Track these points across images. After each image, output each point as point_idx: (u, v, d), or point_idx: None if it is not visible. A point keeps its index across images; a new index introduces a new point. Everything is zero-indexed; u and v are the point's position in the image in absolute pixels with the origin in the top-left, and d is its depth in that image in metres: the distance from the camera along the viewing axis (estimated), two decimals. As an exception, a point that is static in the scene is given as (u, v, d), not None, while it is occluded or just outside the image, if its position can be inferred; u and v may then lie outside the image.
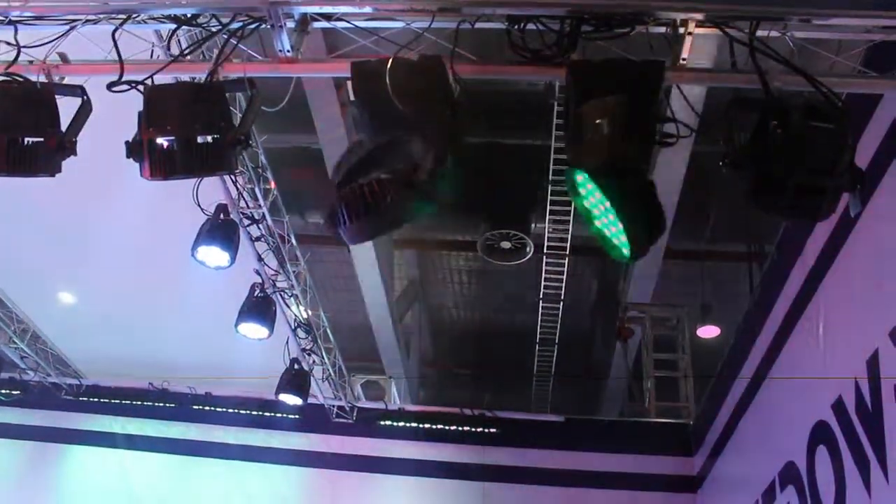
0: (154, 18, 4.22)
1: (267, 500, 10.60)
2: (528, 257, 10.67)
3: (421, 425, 10.82)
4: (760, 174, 3.58)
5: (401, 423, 10.91)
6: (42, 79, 4.12)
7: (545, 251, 10.61)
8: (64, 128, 3.99)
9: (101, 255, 9.09)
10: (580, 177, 3.70)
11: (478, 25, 4.02)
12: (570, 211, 9.63)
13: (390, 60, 3.69)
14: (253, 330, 7.96)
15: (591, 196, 3.71)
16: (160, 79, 4.07)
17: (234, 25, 4.13)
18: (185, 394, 11.11)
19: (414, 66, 3.75)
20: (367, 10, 4.13)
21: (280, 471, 10.73)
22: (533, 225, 10.48)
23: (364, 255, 10.85)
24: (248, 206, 7.20)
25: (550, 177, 9.14)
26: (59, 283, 10.30)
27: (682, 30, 3.90)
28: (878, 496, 5.13)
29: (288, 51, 4.16)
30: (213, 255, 6.76)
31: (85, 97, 4.07)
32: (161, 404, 11.12)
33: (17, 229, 8.70)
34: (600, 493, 10.15)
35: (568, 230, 10.07)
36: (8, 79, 4.00)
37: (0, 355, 10.49)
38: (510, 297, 12.99)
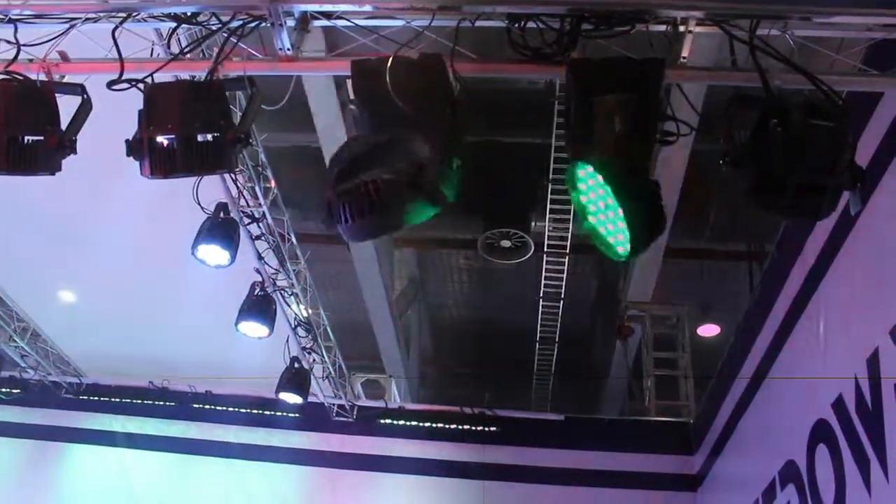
0: (154, 17, 4.21)
1: (267, 498, 10.60)
2: (528, 256, 10.67)
3: (421, 424, 10.83)
4: (760, 173, 3.58)
5: (401, 422, 10.92)
6: (42, 77, 4.12)
7: (545, 250, 10.62)
8: (64, 126, 3.99)
9: (101, 253, 9.09)
10: (582, 171, 3.69)
11: (478, 24, 4.02)
12: (570, 210, 9.63)
13: (390, 59, 3.69)
14: (253, 328, 7.96)
15: (592, 192, 3.70)
16: (160, 77, 4.06)
17: (235, 24, 4.13)
18: (186, 392, 11.11)
19: (414, 64, 3.75)
20: (368, 8, 4.12)
21: (280, 469, 10.73)
22: (533, 223, 10.48)
23: (364, 254, 10.85)
24: (248, 204, 7.21)
25: (551, 175, 9.14)
26: (60, 282, 10.31)
27: (682, 28, 3.90)
28: (879, 495, 5.13)
29: (288, 49, 4.15)
30: (214, 253, 6.77)
31: (85, 96, 4.07)
32: (161, 403, 11.12)
33: (18, 228, 8.70)
34: (600, 491, 10.15)
35: (568, 229, 10.07)
36: (8, 77, 3.99)
37: (0, 354, 10.49)
38: (510, 296, 12.99)
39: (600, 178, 3.56)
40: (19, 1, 4.13)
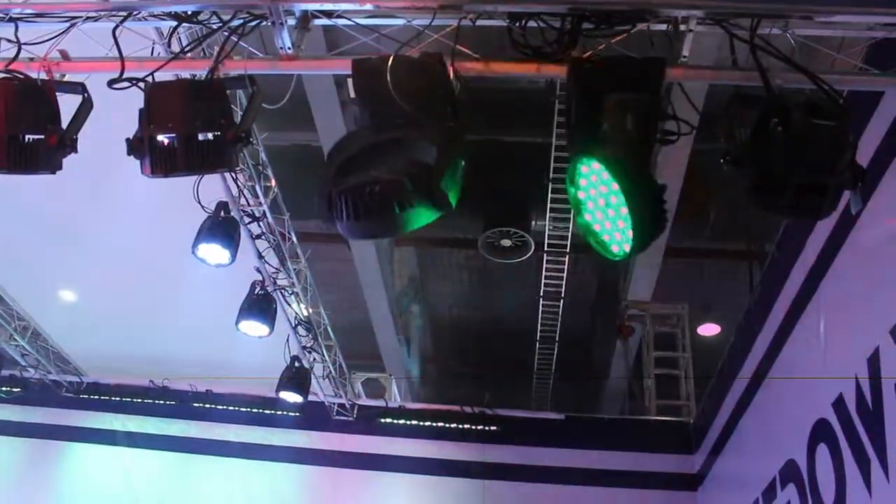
0: (155, 16, 4.21)
1: (267, 497, 10.61)
2: (528, 255, 10.66)
3: (421, 423, 10.83)
4: (761, 172, 3.58)
5: (401, 421, 10.92)
6: (43, 76, 4.12)
7: (546, 249, 10.61)
8: (65, 125, 3.99)
9: (101, 252, 9.09)
10: (585, 167, 3.66)
11: (478, 23, 4.02)
12: (570, 209, 9.59)
13: (391, 58, 3.68)
14: (253, 328, 7.96)
15: (592, 188, 3.67)
16: (161, 76, 4.07)
17: (235, 23, 4.13)
18: (186, 391, 11.11)
19: (415, 63, 3.75)
20: (368, 7, 4.12)
21: (280, 468, 10.74)
22: (533, 223, 10.48)
23: (364, 253, 10.86)
24: (248, 203, 7.21)
25: (551, 174, 9.13)
26: (60, 281, 10.30)
27: (682, 27, 3.90)
28: (879, 495, 5.13)
29: (289, 48, 4.16)
30: (214, 252, 6.77)
31: (86, 94, 4.07)
32: (161, 402, 11.12)
33: (18, 226, 8.69)
34: (601, 491, 10.15)
35: (568, 228, 10.07)
36: (8, 76, 4.00)
37: (0, 352, 10.49)
38: (511, 295, 12.99)
39: (606, 175, 3.54)
40: (20, 0, 4.13)
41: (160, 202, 7.26)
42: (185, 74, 4.37)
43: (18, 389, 11.12)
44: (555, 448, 10.49)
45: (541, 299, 11.68)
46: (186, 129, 3.84)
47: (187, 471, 10.87)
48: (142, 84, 3.96)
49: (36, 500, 10.69)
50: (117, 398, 11.23)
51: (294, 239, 8.05)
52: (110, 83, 3.97)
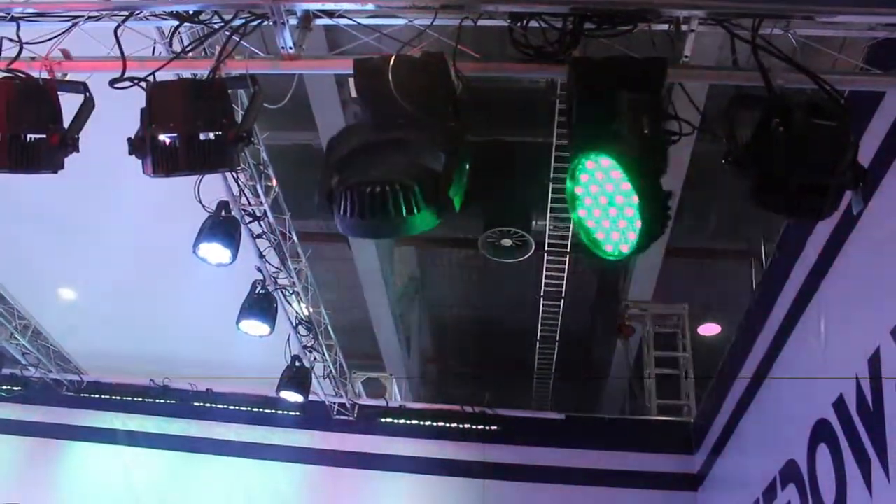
0: (156, 15, 4.21)
1: (268, 497, 10.61)
2: (529, 255, 10.66)
3: (422, 423, 10.84)
4: (762, 172, 3.57)
5: (401, 421, 10.93)
6: (44, 75, 4.12)
7: (546, 249, 10.61)
8: (66, 124, 3.98)
9: (102, 251, 9.10)
10: (592, 163, 3.63)
11: (480, 23, 4.02)
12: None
13: (393, 58, 3.68)
14: (254, 327, 7.97)
15: (594, 185, 3.64)
16: (162, 76, 4.07)
17: (237, 22, 4.13)
18: (186, 391, 11.11)
19: (416, 63, 3.75)
20: (370, 7, 4.12)
21: (281, 468, 10.74)
22: (534, 222, 10.47)
23: (365, 253, 10.86)
24: (249, 202, 7.21)
25: (552, 174, 9.14)
26: (61, 280, 10.31)
27: (684, 27, 3.90)
28: (879, 495, 5.13)
29: (290, 48, 4.15)
30: (215, 251, 6.77)
31: (87, 94, 4.07)
32: (162, 401, 11.12)
33: (19, 225, 8.70)
34: (601, 491, 10.16)
35: (569, 228, 10.07)
36: (10, 75, 4.00)
37: (1, 351, 10.50)
38: (511, 295, 12.99)
39: (616, 173, 3.51)
40: (22, -1, 4.14)
41: (161, 201, 7.26)
42: (187, 74, 4.37)
43: (19, 388, 11.14)
44: (555, 448, 10.50)
45: (541, 299, 11.69)
46: (188, 128, 3.84)
47: (188, 470, 10.87)
48: (143, 83, 3.95)
49: (36, 498, 10.68)
50: (118, 397, 11.24)
51: (295, 238, 8.06)
52: (112, 83, 3.96)
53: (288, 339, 9.03)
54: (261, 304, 7.96)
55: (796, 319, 6.68)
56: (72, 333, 11.00)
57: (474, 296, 13.54)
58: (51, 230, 8.84)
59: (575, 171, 3.72)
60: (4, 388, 11.11)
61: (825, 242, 6.02)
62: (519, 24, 3.96)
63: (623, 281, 11.86)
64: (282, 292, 8.29)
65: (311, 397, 9.80)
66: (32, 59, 4.17)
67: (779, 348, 7.09)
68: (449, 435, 10.72)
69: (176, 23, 4.23)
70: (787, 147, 3.50)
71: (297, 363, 9.27)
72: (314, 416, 10.82)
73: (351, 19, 4.18)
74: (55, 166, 4.00)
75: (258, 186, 7.05)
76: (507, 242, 10.47)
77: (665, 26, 3.94)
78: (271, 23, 4.07)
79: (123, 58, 4.01)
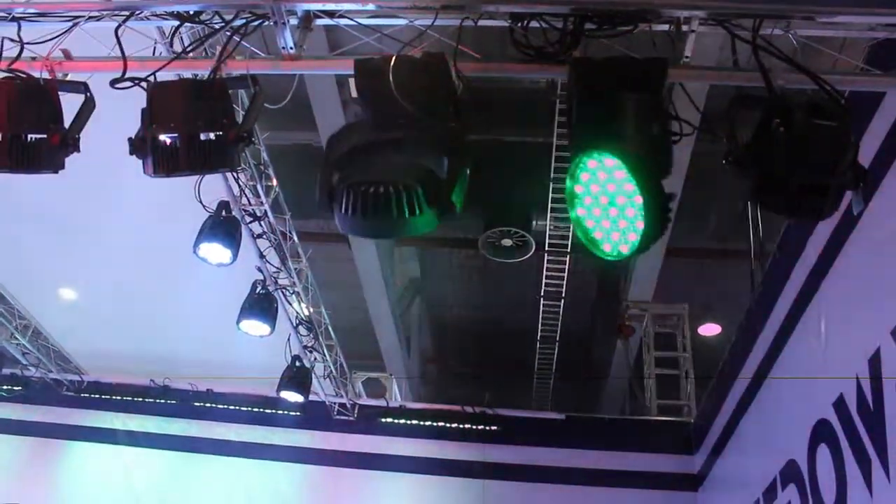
0: (157, 15, 4.21)
1: (268, 497, 10.61)
2: (529, 255, 10.67)
3: (422, 423, 10.84)
4: (763, 173, 3.57)
5: (402, 421, 10.93)
6: (45, 75, 4.12)
7: (546, 249, 10.62)
8: (67, 124, 3.99)
9: (103, 251, 9.10)
10: (594, 162, 3.62)
11: (480, 23, 4.02)
12: (572, 209, 9.59)
13: (394, 58, 3.68)
14: (254, 327, 7.97)
15: (595, 184, 3.63)
16: (163, 76, 4.07)
17: (237, 22, 4.13)
18: (187, 391, 11.12)
19: (417, 63, 3.75)
20: (371, 7, 4.12)
21: (281, 468, 10.74)
22: (534, 222, 10.48)
23: (365, 253, 10.86)
24: (249, 203, 7.22)
25: (552, 174, 9.14)
26: (61, 280, 10.31)
27: (685, 28, 3.90)
28: (880, 495, 5.13)
29: (291, 48, 4.16)
30: (215, 251, 6.78)
31: (88, 94, 4.07)
32: (162, 401, 11.12)
33: (20, 225, 8.71)
34: (601, 491, 10.16)
35: (569, 228, 10.04)
36: (11, 75, 4.00)
37: (1, 351, 10.50)
38: (511, 295, 12.99)
39: (620, 173, 3.51)
40: (23, -1, 4.14)
41: (162, 201, 7.27)
42: (188, 74, 4.37)
43: (19, 388, 11.14)
44: (555, 448, 10.50)
45: (541, 299, 11.69)
46: (189, 128, 3.84)
47: (188, 470, 10.87)
48: (144, 84, 3.96)
49: (37, 498, 10.68)
50: (118, 397, 11.24)
51: (295, 238, 8.06)
52: (112, 83, 3.96)
53: (288, 339, 9.03)
54: (261, 304, 7.97)
55: (797, 319, 6.68)
56: (72, 333, 11.01)
57: (475, 296, 13.54)
58: (51, 230, 8.85)
59: (576, 170, 3.71)
60: (5, 387, 11.11)
61: (825, 243, 6.02)
62: (520, 24, 3.96)
63: (623, 281, 11.86)
64: (282, 292, 8.29)
65: (312, 397, 9.80)
66: (33, 59, 4.17)
67: (779, 348, 7.09)
68: (449, 435, 10.73)
69: (176, 23, 4.23)
70: (788, 147, 3.50)
71: (298, 363, 9.28)
72: (314, 417, 10.82)
73: (351, 19, 4.18)
74: (56, 166, 4.00)
75: (258, 186, 7.06)
76: (507, 242, 10.48)
77: (665, 27, 3.94)
78: (272, 23, 4.07)
79: (124, 58, 4.01)
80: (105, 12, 4.15)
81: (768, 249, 8.06)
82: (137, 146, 3.83)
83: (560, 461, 10.40)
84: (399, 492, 10.52)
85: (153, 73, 4.02)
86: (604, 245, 3.70)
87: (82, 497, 10.75)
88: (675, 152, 3.71)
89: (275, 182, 7.31)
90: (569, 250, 10.58)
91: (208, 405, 11.13)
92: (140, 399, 11.15)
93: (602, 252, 3.71)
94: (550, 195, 9.59)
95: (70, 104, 4.05)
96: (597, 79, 3.66)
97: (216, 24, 4.18)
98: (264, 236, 7.56)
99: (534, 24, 3.96)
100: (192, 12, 4.17)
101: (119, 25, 4.10)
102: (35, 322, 10.40)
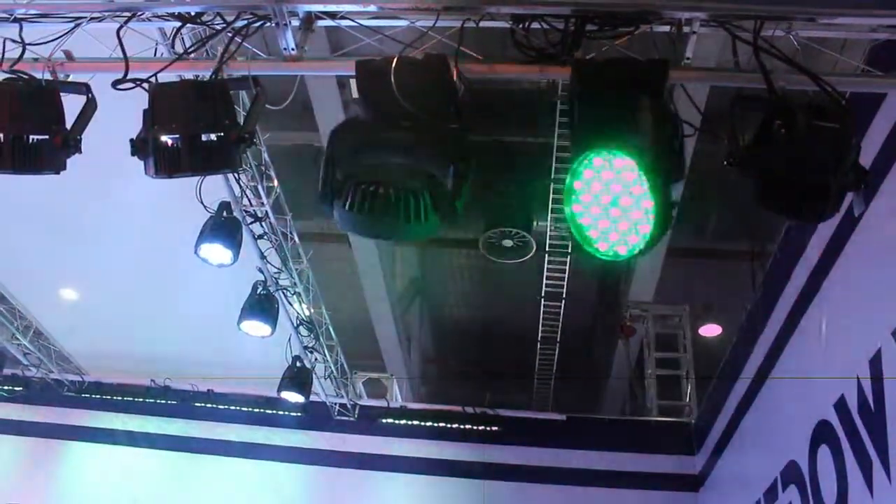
0: (158, 16, 4.22)
1: (268, 497, 10.62)
2: (529, 255, 10.66)
3: (422, 423, 10.85)
4: (764, 174, 3.58)
5: (402, 421, 10.94)
6: (47, 76, 4.13)
7: (547, 249, 10.61)
8: (69, 125, 3.99)
9: (103, 251, 9.11)
10: (601, 160, 3.60)
11: (482, 24, 4.02)
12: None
13: (395, 59, 3.68)
14: (255, 327, 7.98)
15: (598, 182, 3.62)
16: (164, 77, 4.07)
17: (239, 23, 4.14)
18: (187, 391, 11.12)
19: (419, 64, 3.75)
20: (372, 8, 4.12)
21: (282, 468, 10.75)
22: (535, 223, 10.47)
23: (366, 253, 10.86)
24: (250, 203, 7.22)
25: (553, 175, 9.13)
26: (62, 280, 10.31)
27: (686, 29, 3.90)
28: (881, 496, 5.14)
29: (292, 49, 4.16)
30: (216, 252, 6.78)
31: (90, 95, 4.07)
32: (163, 401, 11.13)
33: (20, 226, 8.71)
34: (602, 491, 10.16)
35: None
36: (13, 76, 4.01)
37: (2, 351, 10.51)
38: (512, 296, 12.98)
39: (630, 175, 3.50)
40: (24, 0, 4.14)
41: (163, 202, 7.28)
42: (189, 75, 4.37)
43: (20, 388, 11.15)
44: (556, 448, 10.50)
45: (542, 299, 11.68)
46: (190, 129, 3.85)
47: (188, 470, 10.88)
48: (146, 85, 3.96)
49: (37, 498, 10.70)
50: (119, 397, 11.25)
51: (296, 239, 8.07)
52: (114, 84, 3.98)
53: (289, 340, 9.04)
54: (262, 304, 7.97)
55: (797, 320, 6.69)
56: (73, 334, 11.01)
57: (475, 296, 13.53)
58: (53, 231, 8.85)
59: (578, 167, 3.68)
60: (6, 388, 11.12)
61: (827, 243, 6.03)
62: (521, 25, 3.96)
63: (624, 282, 11.85)
64: (283, 293, 8.29)
65: (312, 398, 9.81)
66: (35, 60, 4.18)
67: (780, 349, 7.10)
68: (449, 435, 10.74)
69: (178, 24, 4.23)
70: (789, 149, 3.51)
71: (298, 363, 9.28)
72: (315, 417, 10.83)
73: (353, 21, 4.18)
74: (58, 167, 4.00)
75: (259, 187, 7.06)
76: (508, 243, 10.47)
77: (667, 28, 3.94)
78: (273, 24, 4.08)
79: (126, 59, 4.02)
80: (107, 13, 4.16)
81: (769, 250, 8.07)
82: (139, 147, 3.83)
83: (560, 462, 10.40)
84: (399, 492, 10.52)
85: (155, 74, 4.03)
86: (599, 244, 3.68)
87: (83, 497, 10.75)
88: (677, 154, 3.71)
89: (276, 183, 7.31)
90: (569, 251, 10.57)
91: (209, 406, 11.14)
92: (141, 399, 11.16)
93: (596, 250, 3.68)
94: (551, 196, 9.58)
95: (72, 105, 4.06)
96: (599, 80, 3.66)
97: (218, 25, 4.18)
98: (265, 237, 7.56)
99: (535, 25, 3.96)
100: (193, 13, 4.18)
101: (121, 26, 4.11)
102: (36, 322, 10.41)
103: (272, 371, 9.30)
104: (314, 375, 9.63)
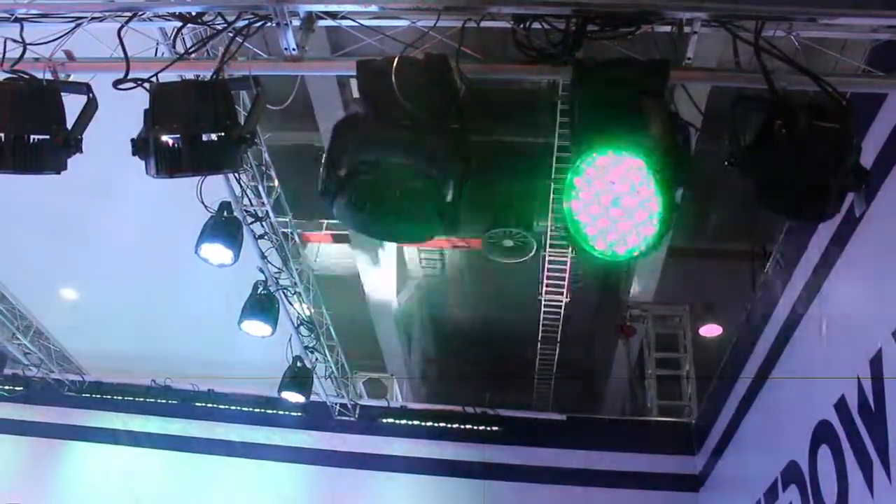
0: (159, 16, 4.22)
1: (269, 497, 10.62)
2: (530, 255, 10.66)
3: (423, 423, 10.85)
4: (765, 174, 3.58)
5: (403, 421, 10.94)
6: (48, 76, 4.13)
7: (547, 249, 10.61)
8: (70, 125, 3.99)
9: (104, 251, 9.12)
10: (606, 159, 3.60)
11: (483, 24, 4.02)
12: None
13: (397, 59, 3.68)
14: (256, 327, 7.97)
15: (600, 181, 3.61)
16: (165, 77, 4.07)
17: (240, 23, 4.14)
18: (188, 391, 11.13)
19: (420, 64, 3.75)
20: (373, 8, 4.13)
21: (282, 468, 10.75)
22: (535, 223, 10.47)
23: (366, 253, 10.85)
24: (251, 203, 7.22)
25: (553, 175, 9.13)
26: (63, 280, 10.32)
27: (687, 29, 3.91)
28: (881, 496, 5.14)
29: (293, 49, 4.16)
30: (217, 252, 6.78)
31: (90, 95, 4.07)
32: (163, 401, 11.14)
33: (21, 226, 8.72)
34: (602, 491, 10.16)
35: (570, 228, 10.04)
36: (14, 76, 4.00)
37: (3, 351, 10.52)
38: (512, 295, 12.97)
39: (638, 176, 3.49)
40: (25, 0, 4.14)
41: (164, 202, 7.28)
42: (190, 75, 4.37)
43: (21, 388, 11.16)
44: (556, 448, 10.50)
45: (542, 299, 11.67)
46: (191, 129, 3.85)
47: (189, 470, 10.88)
48: (146, 84, 3.96)
49: (38, 498, 10.70)
50: (119, 397, 11.26)
51: (296, 239, 8.07)
52: (115, 84, 3.97)
53: (289, 340, 9.03)
54: (262, 304, 7.97)
55: (798, 320, 6.69)
56: (74, 334, 11.01)
57: (475, 296, 13.53)
58: (53, 231, 8.86)
59: (581, 164, 3.66)
60: (7, 388, 11.13)
61: (827, 243, 6.03)
62: (522, 25, 3.96)
63: (624, 282, 11.85)
64: (283, 293, 8.29)
65: (313, 398, 9.81)
66: (36, 60, 4.18)
67: (780, 349, 7.09)
68: (450, 435, 10.74)
69: (179, 24, 4.24)
70: (790, 149, 3.51)
71: (299, 363, 9.28)
72: (315, 417, 10.83)
73: (354, 21, 4.19)
74: (58, 167, 4.00)
75: (260, 187, 7.07)
76: (508, 243, 10.48)
77: (668, 28, 3.94)
78: (274, 24, 4.08)
79: (127, 59, 4.02)
80: (108, 13, 4.16)
81: (769, 250, 8.07)
82: (140, 147, 3.83)
83: (560, 462, 10.40)
84: (400, 492, 10.52)
85: (156, 74, 4.03)
86: (596, 242, 3.66)
87: (83, 496, 10.75)
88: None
89: (276, 183, 7.31)
90: (570, 251, 10.57)
91: (209, 405, 11.14)
92: (141, 399, 11.17)
93: (591, 248, 3.66)
94: (551, 196, 9.58)
95: (73, 105, 4.06)
96: (600, 80, 3.66)
97: (218, 25, 4.18)
98: (266, 237, 7.56)
99: (536, 25, 3.96)
100: (194, 13, 4.18)
101: (122, 26, 4.12)
102: (37, 322, 10.41)
103: (272, 371, 9.30)
104: (314, 375, 9.63)
